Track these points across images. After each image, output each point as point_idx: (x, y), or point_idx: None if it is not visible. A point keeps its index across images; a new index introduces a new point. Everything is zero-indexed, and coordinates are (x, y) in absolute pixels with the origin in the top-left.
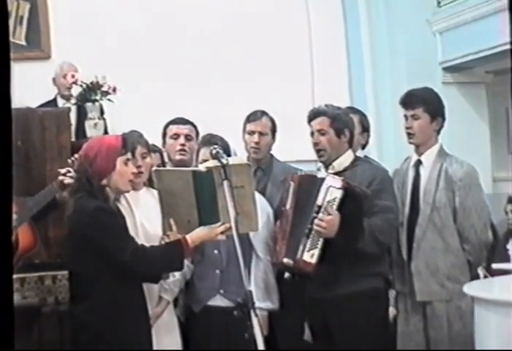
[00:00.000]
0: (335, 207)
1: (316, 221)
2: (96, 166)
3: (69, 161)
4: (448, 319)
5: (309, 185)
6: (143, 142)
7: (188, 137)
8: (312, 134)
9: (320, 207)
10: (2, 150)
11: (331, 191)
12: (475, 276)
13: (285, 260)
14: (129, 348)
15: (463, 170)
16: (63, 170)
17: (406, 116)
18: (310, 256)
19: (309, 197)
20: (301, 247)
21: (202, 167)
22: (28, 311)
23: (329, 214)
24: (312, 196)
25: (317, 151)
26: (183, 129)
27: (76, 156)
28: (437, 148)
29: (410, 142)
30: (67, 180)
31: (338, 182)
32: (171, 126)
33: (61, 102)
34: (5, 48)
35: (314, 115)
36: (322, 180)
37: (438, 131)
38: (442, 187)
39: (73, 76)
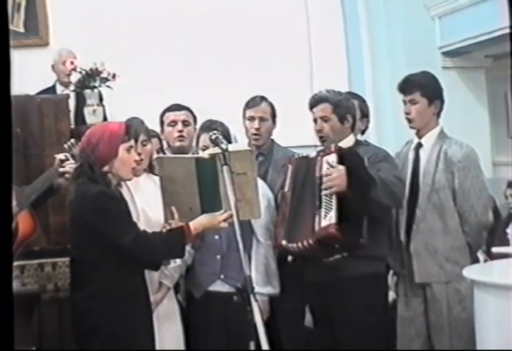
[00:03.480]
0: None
1: (324, 179)
2: (98, 152)
3: (66, 146)
4: (448, 302)
5: (305, 166)
6: (144, 129)
7: (185, 123)
8: (315, 120)
9: (320, 177)
10: (1, 137)
11: (326, 159)
12: (475, 259)
13: (284, 242)
14: (130, 335)
15: (462, 151)
16: (60, 156)
17: (404, 101)
18: (328, 219)
19: (307, 178)
20: (317, 219)
21: (205, 154)
22: (27, 298)
23: (333, 168)
24: (310, 175)
25: (320, 138)
26: (180, 116)
27: (72, 140)
28: (437, 130)
29: (411, 127)
30: (67, 169)
31: (329, 149)
32: (167, 114)
33: (59, 89)
34: (5, 36)
35: (316, 101)
36: (316, 157)
37: (438, 114)
38: (441, 169)
39: (72, 63)
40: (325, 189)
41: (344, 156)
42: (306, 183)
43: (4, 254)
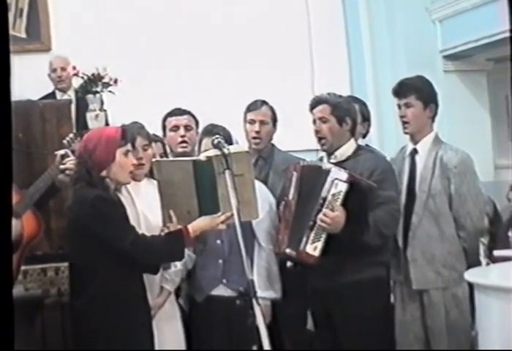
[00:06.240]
0: (339, 201)
1: (320, 216)
2: (95, 157)
3: (65, 141)
4: (445, 307)
5: (313, 176)
6: (144, 133)
7: (187, 128)
8: (314, 122)
9: (324, 199)
10: (2, 142)
11: (336, 184)
12: (471, 264)
13: (287, 251)
14: (130, 339)
15: (458, 157)
16: (61, 152)
17: (399, 105)
18: (313, 248)
19: (313, 189)
20: (304, 239)
21: (202, 157)
22: (30, 303)
23: (334, 210)
24: (317, 187)
25: (319, 139)
26: (182, 120)
27: (71, 135)
28: (432, 136)
29: (405, 132)
30: (68, 165)
31: (343, 175)
32: (169, 119)
33: (59, 95)
34: (5, 41)
35: (315, 103)
36: (328, 171)
37: (432, 119)
38: (438, 175)
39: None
40: (321, 224)
41: (353, 189)
42: (312, 195)
43: (4, 255)
